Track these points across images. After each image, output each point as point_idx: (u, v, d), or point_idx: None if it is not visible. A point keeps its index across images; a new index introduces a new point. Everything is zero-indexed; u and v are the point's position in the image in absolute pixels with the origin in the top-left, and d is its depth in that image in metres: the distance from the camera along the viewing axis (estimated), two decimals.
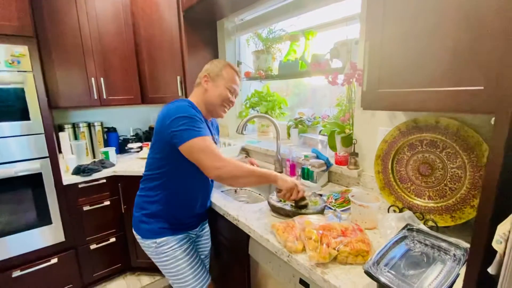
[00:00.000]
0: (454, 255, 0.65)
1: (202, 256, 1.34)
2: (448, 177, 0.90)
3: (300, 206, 1.07)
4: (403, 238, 0.75)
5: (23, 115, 1.56)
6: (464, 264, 0.62)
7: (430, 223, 0.92)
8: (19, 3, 1.49)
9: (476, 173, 0.83)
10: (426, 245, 0.72)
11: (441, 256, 0.67)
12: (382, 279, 0.61)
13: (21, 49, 1.51)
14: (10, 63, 1.49)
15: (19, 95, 1.53)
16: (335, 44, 1.39)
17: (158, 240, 1.12)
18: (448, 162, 0.90)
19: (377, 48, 0.82)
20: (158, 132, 1.06)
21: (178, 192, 1.12)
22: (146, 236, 1.14)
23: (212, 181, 1.26)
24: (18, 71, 1.52)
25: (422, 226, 0.85)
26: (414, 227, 0.79)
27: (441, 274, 0.61)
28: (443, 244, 0.69)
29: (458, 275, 0.59)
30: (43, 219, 1.67)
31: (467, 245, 0.67)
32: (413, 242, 0.74)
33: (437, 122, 0.91)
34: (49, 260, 1.71)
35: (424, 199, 0.97)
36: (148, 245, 1.14)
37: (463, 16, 0.64)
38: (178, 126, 0.98)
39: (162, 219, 1.13)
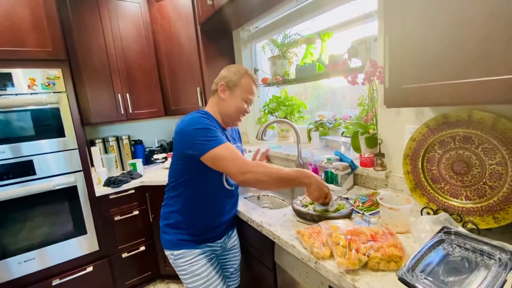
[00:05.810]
0: (500, 259, 0.59)
1: (231, 269, 1.31)
2: (487, 175, 0.83)
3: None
4: (440, 241, 0.70)
5: (59, 132, 1.68)
6: (511, 269, 0.56)
7: (470, 225, 0.85)
8: (52, 30, 1.62)
9: None
10: (466, 249, 0.66)
11: (484, 261, 0.61)
12: (419, 287, 0.57)
13: (55, 72, 1.64)
14: (46, 86, 1.62)
15: (55, 114, 1.66)
16: (353, 43, 1.36)
17: (175, 252, 1.11)
18: (486, 158, 0.83)
19: (397, 42, 0.79)
20: (175, 145, 1.08)
21: (198, 200, 1.11)
22: (166, 247, 1.15)
23: (236, 189, 1.25)
24: (53, 92, 1.65)
25: (461, 229, 0.79)
26: (452, 230, 0.73)
27: (486, 280, 0.55)
28: (486, 248, 0.63)
29: (505, 281, 0.54)
30: (79, 229, 1.77)
31: None
32: (452, 246, 0.68)
33: (470, 116, 0.85)
34: (85, 269, 1.80)
35: (461, 199, 0.90)
36: (168, 256, 1.15)
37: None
38: (194, 139, 0.98)
39: (182, 231, 1.12)
